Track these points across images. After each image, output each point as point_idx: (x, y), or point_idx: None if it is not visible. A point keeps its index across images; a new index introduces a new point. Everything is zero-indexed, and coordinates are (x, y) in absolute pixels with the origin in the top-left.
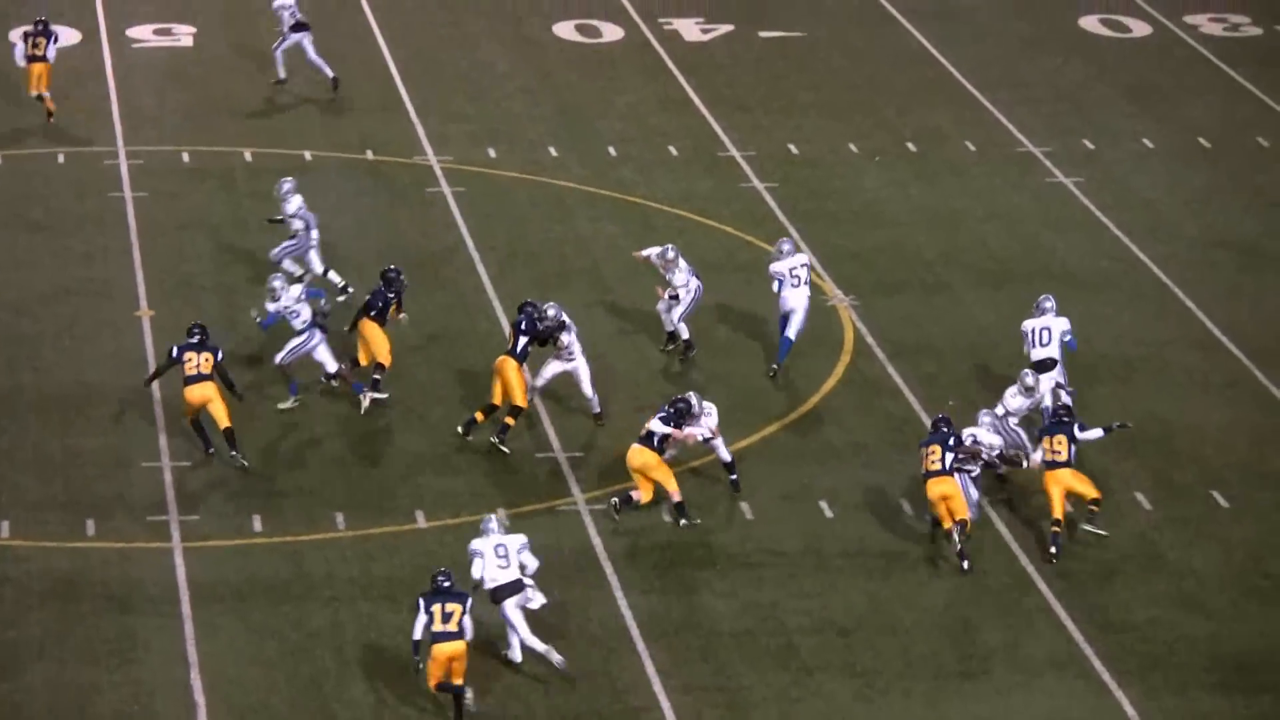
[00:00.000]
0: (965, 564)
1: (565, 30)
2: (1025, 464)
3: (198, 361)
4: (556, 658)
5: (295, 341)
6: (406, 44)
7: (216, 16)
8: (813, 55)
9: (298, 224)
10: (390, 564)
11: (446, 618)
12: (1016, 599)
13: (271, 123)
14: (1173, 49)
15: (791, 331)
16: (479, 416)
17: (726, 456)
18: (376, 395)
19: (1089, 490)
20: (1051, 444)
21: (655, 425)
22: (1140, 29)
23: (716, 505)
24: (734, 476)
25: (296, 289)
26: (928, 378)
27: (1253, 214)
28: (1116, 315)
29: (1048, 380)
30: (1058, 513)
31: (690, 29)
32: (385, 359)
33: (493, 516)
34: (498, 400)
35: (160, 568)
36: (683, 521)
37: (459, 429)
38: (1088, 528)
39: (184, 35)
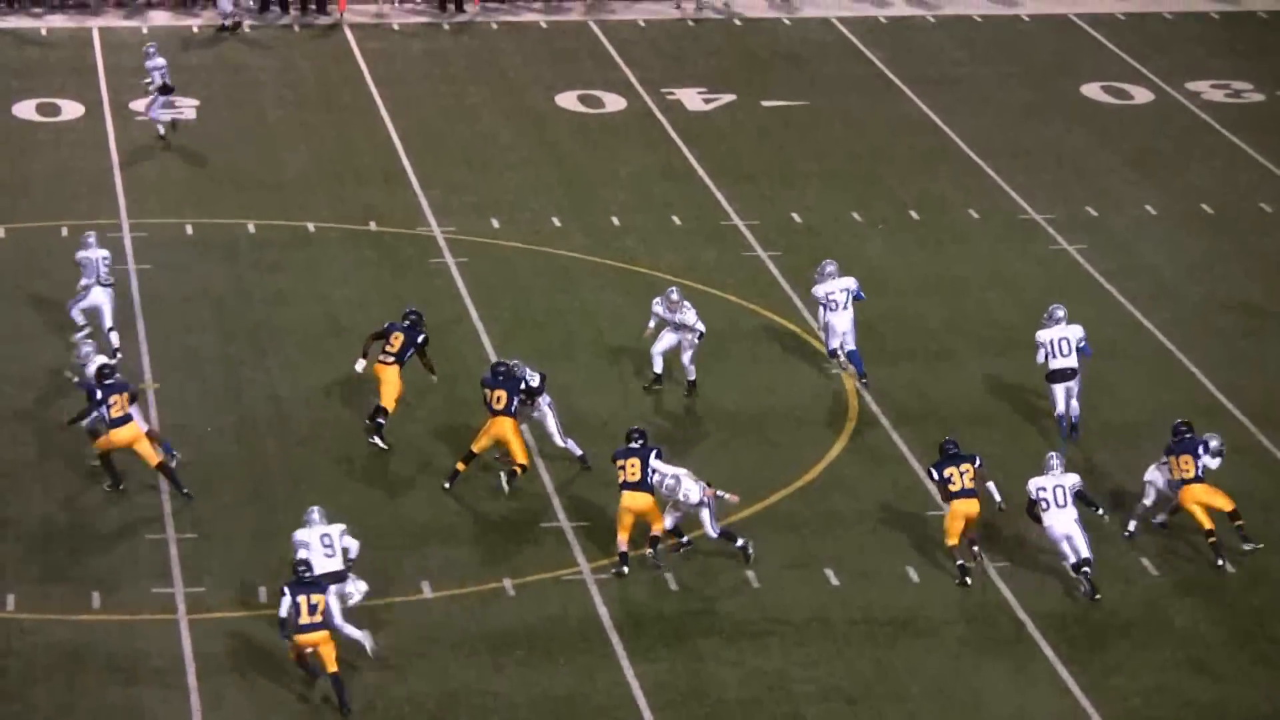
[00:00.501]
0: (968, 579)
1: (568, 101)
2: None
3: (122, 402)
4: (369, 644)
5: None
6: (409, 115)
7: (219, 89)
8: (815, 124)
9: (87, 278)
10: (396, 634)
11: (312, 609)
12: (1023, 665)
13: (274, 194)
14: (1175, 116)
15: (852, 344)
16: (461, 467)
17: (713, 533)
18: (378, 441)
19: (1225, 503)
20: (1179, 463)
21: (655, 465)
22: (1142, 96)
23: (722, 574)
24: (739, 543)
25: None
26: (932, 445)
27: (1256, 279)
28: (1120, 381)
29: (1063, 390)
30: (1207, 524)
31: (693, 99)
32: (391, 405)
33: (315, 509)
34: (478, 449)
35: (166, 639)
36: (684, 539)
37: (444, 484)
38: (1246, 547)
39: (187, 108)
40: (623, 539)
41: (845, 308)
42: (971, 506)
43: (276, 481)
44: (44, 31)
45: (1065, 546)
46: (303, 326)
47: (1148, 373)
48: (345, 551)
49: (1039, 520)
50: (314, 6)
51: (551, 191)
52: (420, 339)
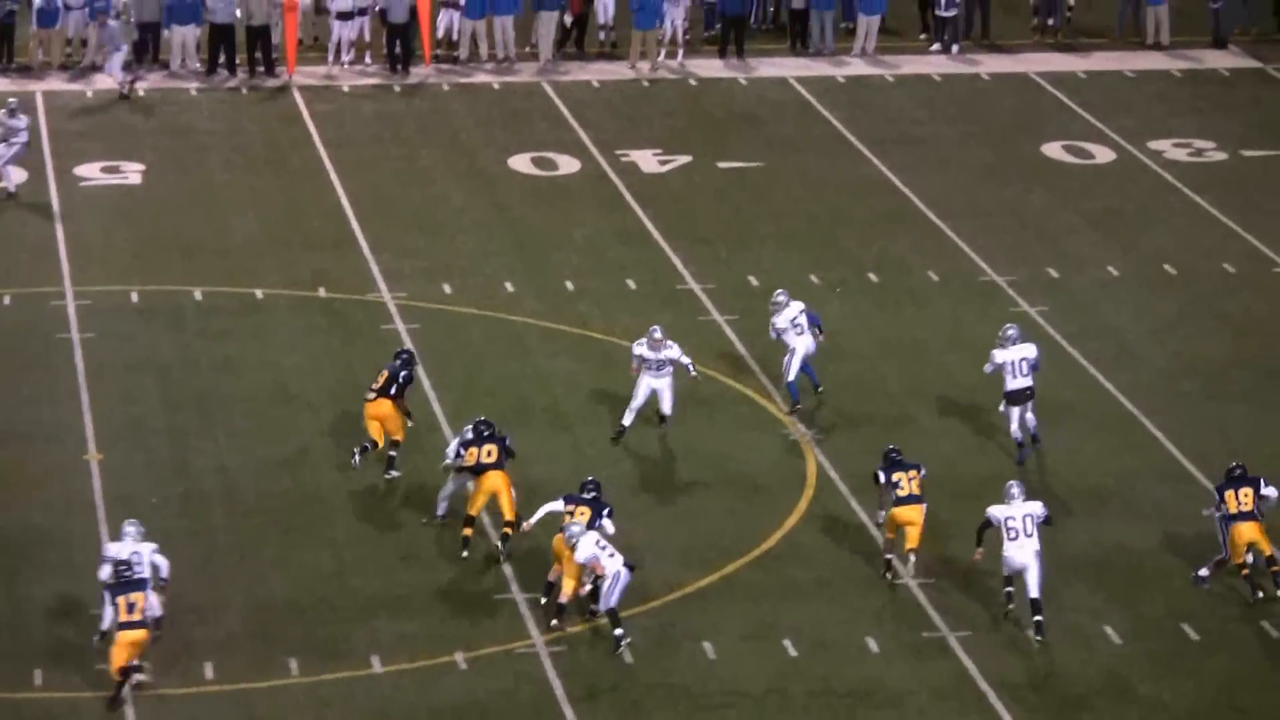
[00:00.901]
0: (889, 576)
1: (521, 163)
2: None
3: None
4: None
5: None
6: (359, 179)
7: (165, 154)
8: (772, 186)
9: None
10: (345, 711)
11: (131, 608)
12: None
13: (221, 261)
14: (1137, 175)
15: (802, 362)
16: (468, 532)
17: (603, 604)
18: (394, 473)
19: (1268, 547)
20: (1237, 496)
21: (603, 523)
22: (1104, 155)
23: (679, 646)
24: (618, 632)
25: None
26: None
27: (1220, 341)
28: (1083, 445)
29: (1018, 411)
30: (1239, 558)
31: (648, 160)
32: (400, 434)
33: (130, 523)
34: (476, 510)
35: (110, 718)
36: (553, 623)
37: (463, 554)
38: None
39: (132, 173)
40: (556, 570)
41: (806, 330)
42: (914, 513)
43: (224, 554)
44: None
45: (1016, 579)
46: (251, 395)
47: (1110, 437)
48: (156, 569)
49: (980, 542)
50: (262, 68)
51: (504, 255)
52: (404, 375)
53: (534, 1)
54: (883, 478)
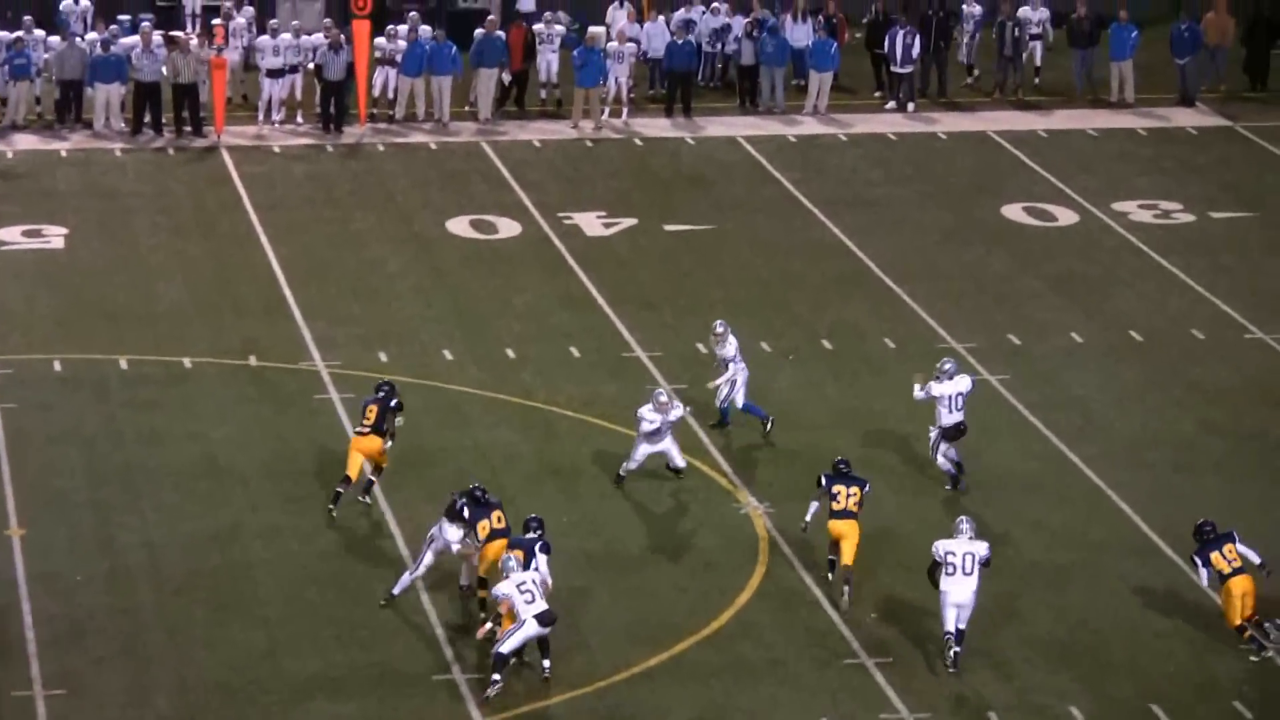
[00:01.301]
0: (845, 599)
1: (459, 226)
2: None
3: None
4: None
5: None
6: (291, 243)
7: (90, 217)
8: (721, 249)
9: None
10: None
11: None
12: None
13: (148, 328)
14: (1101, 238)
15: (744, 397)
16: (484, 594)
17: (501, 648)
18: (368, 500)
19: (1250, 604)
20: (1224, 555)
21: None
22: (1067, 217)
23: None
24: (495, 678)
25: None
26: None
27: (1188, 410)
28: (1046, 519)
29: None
30: (1236, 619)
31: (592, 223)
32: (384, 460)
33: None
34: (486, 571)
35: None
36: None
37: (484, 616)
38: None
39: (55, 237)
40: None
41: (742, 361)
42: (847, 527)
43: (151, 634)
44: None
45: (951, 614)
46: (179, 468)
47: (1075, 511)
48: None
49: (937, 585)
50: (189, 128)
51: (443, 322)
52: (394, 404)
53: (473, 58)
54: (824, 483)
